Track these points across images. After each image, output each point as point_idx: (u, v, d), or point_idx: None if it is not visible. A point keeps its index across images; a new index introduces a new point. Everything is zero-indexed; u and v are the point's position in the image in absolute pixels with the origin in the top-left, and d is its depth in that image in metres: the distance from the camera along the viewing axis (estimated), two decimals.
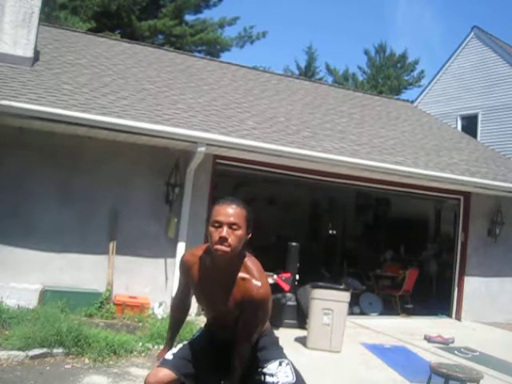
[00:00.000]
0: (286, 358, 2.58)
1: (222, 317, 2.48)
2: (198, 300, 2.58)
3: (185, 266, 2.50)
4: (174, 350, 2.59)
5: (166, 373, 2.43)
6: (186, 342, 2.66)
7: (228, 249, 2.24)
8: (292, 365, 2.56)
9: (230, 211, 2.27)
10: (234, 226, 2.26)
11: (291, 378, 2.49)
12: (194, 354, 2.55)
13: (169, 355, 2.54)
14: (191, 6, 22.08)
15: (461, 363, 5.18)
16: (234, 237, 2.25)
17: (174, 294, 6.93)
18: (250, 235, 2.35)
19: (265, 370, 2.51)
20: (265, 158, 6.91)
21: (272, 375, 2.48)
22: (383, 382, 4.94)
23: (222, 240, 2.23)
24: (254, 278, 2.32)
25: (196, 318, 5.87)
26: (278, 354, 2.59)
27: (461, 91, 15.34)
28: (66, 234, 6.31)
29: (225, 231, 2.24)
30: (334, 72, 28.43)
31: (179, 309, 2.71)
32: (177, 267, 6.66)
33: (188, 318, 2.86)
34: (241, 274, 2.33)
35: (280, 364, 2.52)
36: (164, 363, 2.50)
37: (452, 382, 3.88)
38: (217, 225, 2.26)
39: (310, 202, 12.91)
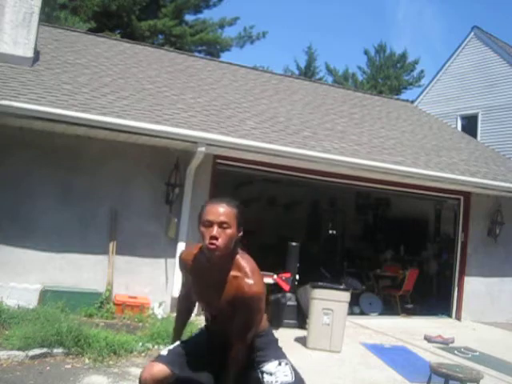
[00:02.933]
0: (285, 358, 2.58)
1: (218, 315, 2.49)
2: (196, 298, 2.62)
3: (182, 264, 2.57)
4: (171, 346, 2.60)
5: (161, 368, 2.42)
6: (183, 340, 2.67)
7: (218, 247, 2.27)
8: (291, 365, 2.56)
9: (220, 210, 2.31)
10: (225, 225, 2.29)
11: (290, 377, 2.49)
12: (190, 352, 2.55)
13: (164, 351, 2.54)
14: (191, 6, 22.06)
15: (461, 363, 5.18)
16: (224, 235, 2.28)
17: (173, 293, 6.95)
18: (241, 233, 2.37)
19: (263, 369, 2.50)
20: (265, 158, 6.91)
21: (271, 374, 2.48)
22: (383, 382, 4.94)
23: (213, 239, 2.27)
24: (246, 275, 2.33)
25: (196, 318, 5.87)
26: (277, 354, 2.58)
27: (461, 91, 15.34)
28: (65, 234, 6.31)
29: (215, 230, 2.27)
30: (334, 72, 28.43)
31: (184, 306, 2.75)
32: (177, 267, 6.67)
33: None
34: (233, 273, 2.35)
35: (279, 364, 2.52)
36: (159, 359, 2.49)
37: (452, 382, 3.88)
38: (207, 224, 2.31)
39: (310, 201, 12.91)
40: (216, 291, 2.36)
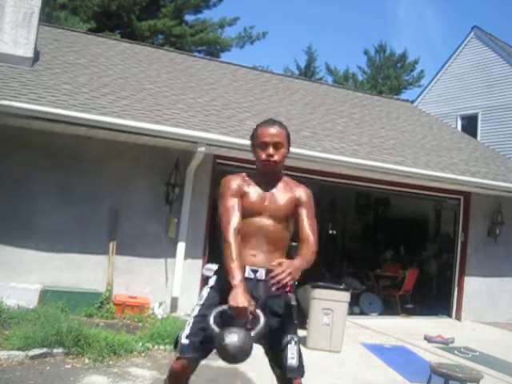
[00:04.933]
0: (296, 332, 2.59)
1: (266, 229, 2.57)
2: (253, 209, 2.58)
3: (238, 182, 2.61)
4: (187, 328, 2.53)
5: (189, 367, 2.51)
6: (195, 314, 2.56)
7: (275, 163, 2.57)
8: (299, 344, 2.56)
9: (274, 132, 2.60)
10: (279, 145, 2.59)
11: (295, 361, 2.50)
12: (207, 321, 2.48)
13: (184, 339, 2.49)
14: (191, 6, 22.06)
15: (461, 363, 5.17)
16: (279, 154, 2.58)
17: (173, 293, 6.92)
18: (289, 152, 2.69)
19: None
20: None
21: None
22: (383, 382, 4.94)
23: (269, 156, 2.56)
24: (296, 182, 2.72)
25: None
26: (293, 328, 2.58)
27: (461, 91, 15.35)
28: (66, 234, 6.31)
29: (271, 150, 2.56)
30: (334, 72, 28.43)
31: (238, 236, 2.49)
32: (177, 267, 6.68)
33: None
34: (284, 180, 2.69)
35: (290, 342, 2.52)
36: (180, 351, 2.49)
37: (452, 381, 3.88)
38: (263, 145, 2.58)
39: None
40: (273, 196, 2.60)
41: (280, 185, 2.65)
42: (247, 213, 2.55)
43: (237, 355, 2.25)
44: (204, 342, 2.48)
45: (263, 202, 2.59)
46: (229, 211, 2.50)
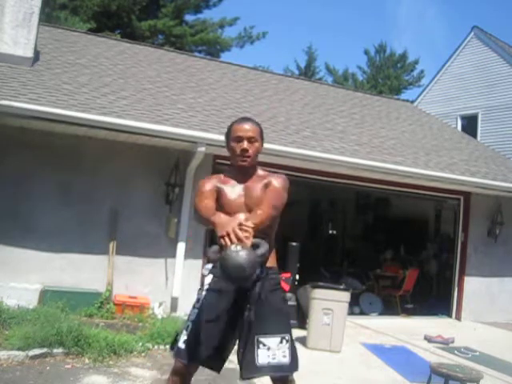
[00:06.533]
0: (289, 330, 2.57)
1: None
2: (227, 206, 2.63)
3: (214, 180, 2.73)
4: (184, 333, 2.55)
5: (186, 371, 2.55)
6: (192, 318, 2.59)
7: (249, 158, 2.64)
8: (292, 340, 2.55)
9: (248, 127, 2.67)
10: (252, 139, 2.66)
11: (288, 359, 2.50)
12: (205, 327, 2.53)
13: (181, 343, 2.53)
14: (191, 6, 22.07)
15: (461, 363, 5.17)
16: (253, 148, 2.66)
17: (173, 293, 6.92)
18: (263, 147, 2.76)
19: (263, 340, 2.49)
20: (265, 158, 6.88)
21: (268, 349, 2.48)
22: (383, 382, 4.94)
23: (244, 151, 2.63)
24: (271, 173, 2.73)
25: None
26: (284, 327, 2.57)
27: (461, 91, 15.35)
28: (66, 234, 6.31)
29: (245, 144, 2.64)
30: (334, 72, 28.43)
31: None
32: (177, 267, 6.69)
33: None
34: (259, 173, 2.73)
35: (281, 341, 2.51)
36: (178, 355, 2.53)
37: (452, 381, 3.88)
38: (238, 139, 2.65)
39: (310, 201, 12.92)
40: (248, 190, 2.64)
41: (254, 178, 2.69)
42: (225, 211, 2.56)
43: (244, 267, 2.16)
44: (201, 350, 2.49)
45: (240, 198, 2.64)
46: (204, 208, 2.56)
